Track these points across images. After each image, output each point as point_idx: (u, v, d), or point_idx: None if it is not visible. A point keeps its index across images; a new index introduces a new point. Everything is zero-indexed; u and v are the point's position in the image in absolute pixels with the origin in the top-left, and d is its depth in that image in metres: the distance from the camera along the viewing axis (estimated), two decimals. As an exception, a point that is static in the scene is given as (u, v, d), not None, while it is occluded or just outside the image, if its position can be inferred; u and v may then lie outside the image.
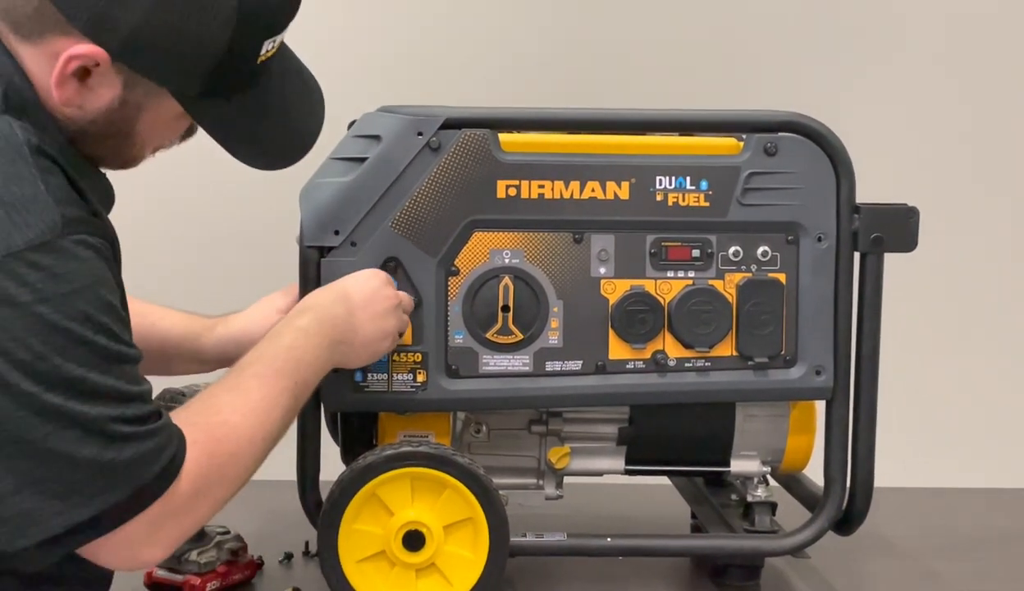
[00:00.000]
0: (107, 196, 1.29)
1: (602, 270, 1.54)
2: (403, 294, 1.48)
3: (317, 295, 1.44)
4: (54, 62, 1.19)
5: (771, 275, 1.55)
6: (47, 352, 1.11)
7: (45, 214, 1.13)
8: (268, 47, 1.26)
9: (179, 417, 1.23)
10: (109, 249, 1.20)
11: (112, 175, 1.31)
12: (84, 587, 1.27)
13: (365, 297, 1.43)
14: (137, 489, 1.15)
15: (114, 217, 1.28)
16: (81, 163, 1.24)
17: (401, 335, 1.49)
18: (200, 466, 1.21)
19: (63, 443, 1.12)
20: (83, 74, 1.20)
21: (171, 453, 1.18)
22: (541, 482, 1.65)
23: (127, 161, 1.31)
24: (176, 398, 1.52)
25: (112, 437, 1.13)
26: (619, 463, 1.65)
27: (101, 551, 1.18)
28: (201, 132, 1.33)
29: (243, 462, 1.26)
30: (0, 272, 1.10)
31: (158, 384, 1.52)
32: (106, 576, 1.31)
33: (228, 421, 1.26)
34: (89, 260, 1.15)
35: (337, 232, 1.50)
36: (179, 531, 1.22)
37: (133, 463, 1.15)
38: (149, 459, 1.16)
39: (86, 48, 1.18)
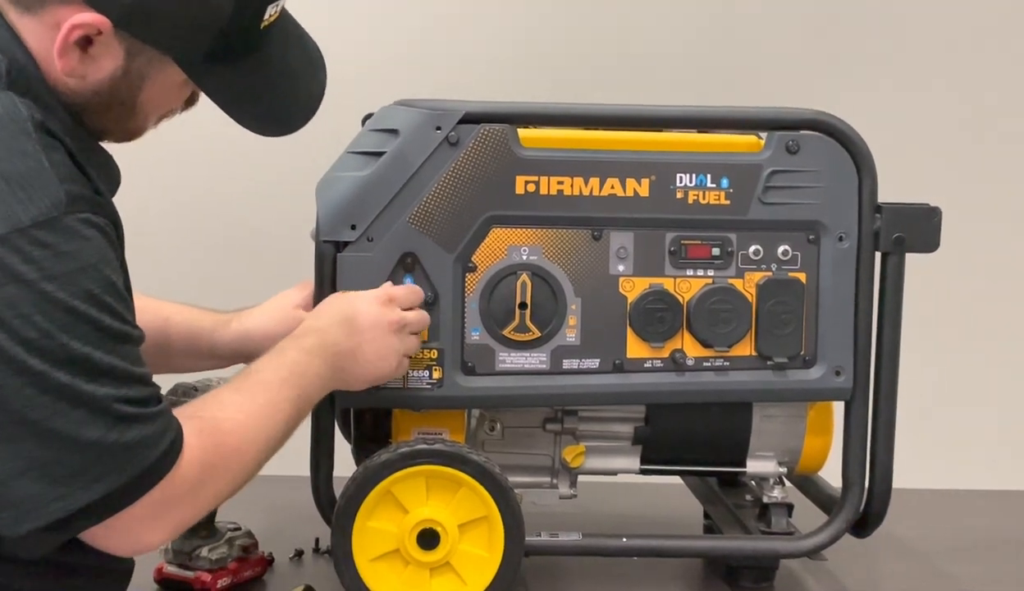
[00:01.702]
0: (112, 176, 1.28)
1: (621, 268, 1.52)
2: (411, 315, 1.45)
3: (319, 317, 1.42)
4: (55, 33, 1.18)
5: (791, 274, 1.54)
6: (53, 330, 1.10)
7: (49, 190, 1.12)
8: (271, 12, 1.26)
9: (185, 410, 1.23)
10: (112, 229, 1.20)
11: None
12: (94, 577, 1.26)
13: (367, 322, 1.41)
14: (139, 473, 1.15)
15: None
16: (85, 141, 1.23)
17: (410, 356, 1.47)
18: (205, 454, 1.21)
19: (68, 424, 1.11)
20: (85, 43, 1.19)
21: (171, 437, 1.18)
22: (555, 481, 1.63)
23: (131, 133, 1.30)
24: (188, 393, 1.51)
25: (116, 418, 1.13)
26: (634, 462, 1.64)
27: (102, 535, 1.17)
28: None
29: (245, 459, 1.26)
30: (6, 249, 1.09)
31: (171, 379, 1.51)
32: (121, 568, 1.30)
33: (233, 417, 1.26)
34: (93, 239, 1.14)
35: (354, 227, 1.48)
36: (180, 518, 1.22)
37: (136, 446, 1.14)
38: (151, 442, 1.15)
39: (88, 16, 1.17)
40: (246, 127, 1.31)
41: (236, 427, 1.25)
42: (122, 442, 1.13)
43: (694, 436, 1.62)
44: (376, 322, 1.41)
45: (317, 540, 1.71)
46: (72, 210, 1.13)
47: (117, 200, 1.26)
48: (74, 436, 1.11)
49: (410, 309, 1.46)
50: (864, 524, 1.59)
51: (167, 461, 1.17)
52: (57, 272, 1.11)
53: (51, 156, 1.14)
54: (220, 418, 1.25)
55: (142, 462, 1.15)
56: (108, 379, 1.13)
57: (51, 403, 1.10)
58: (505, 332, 1.52)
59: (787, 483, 1.68)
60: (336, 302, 1.44)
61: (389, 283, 1.48)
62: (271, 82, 1.29)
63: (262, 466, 1.30)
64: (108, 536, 1.17)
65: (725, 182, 1.52)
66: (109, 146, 1.30)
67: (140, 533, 1.19)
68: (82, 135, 1.23)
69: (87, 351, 1.12)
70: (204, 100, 1.30)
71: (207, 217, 2.28)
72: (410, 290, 1.47)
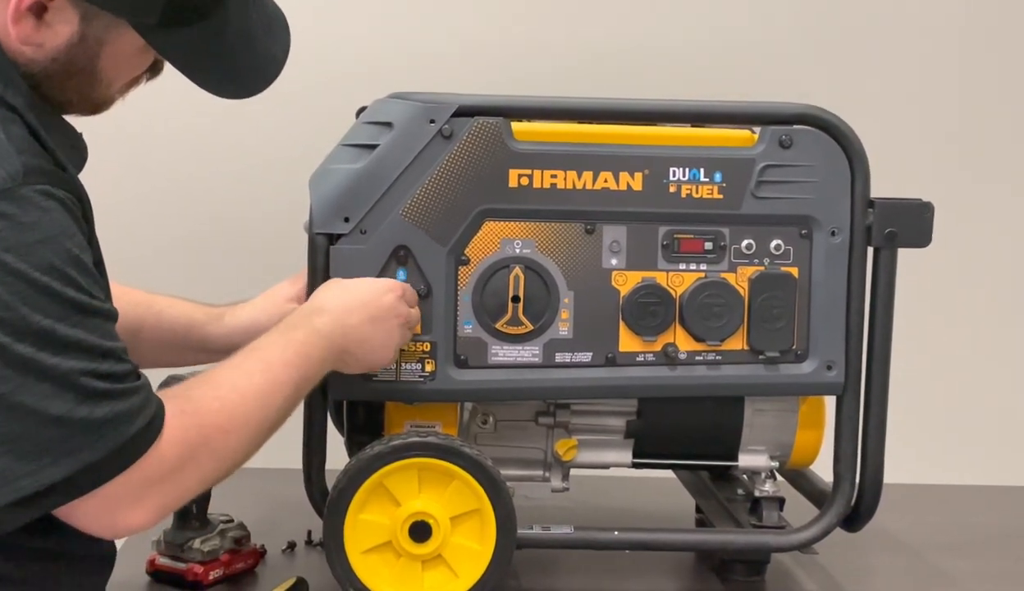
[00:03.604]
0: (77, 151, 1.28)
1: (613, 261, 1.53)
2: (413, 311, 1.46)
3: (335, 297, 1.42)
4: (9, 2, 1.18)
5: (784, 269, 1.54)
6: (13, 302, 1.09)
7: (6, 162, 1.12)
8: None
9: (172, 390, 1.23)
10: (77, 203, 1.19)
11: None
12: (75, 563, 1.26)
13: (380, 311, 1.42)
14: (112, 450, 1.14)
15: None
16: (48, 115, 1.23)
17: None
18: (188, 435, 1.20)
19: (34, 398, 1.10)
20: (40, 10, 1.19)
21: (149, 414, 1.16)
22: (547, 474, 1.63)
23: (96, 104, 1.29)
24: (180, 385, 1.51)
25: (85, 393, 1.12)
26: (627, 456, 1.64)
27: (78, 513, 1.16)
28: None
29: (234, 440, 1.24)
30: None
31: (163, 373, 1.51)
32: (101, 554, 1.30)
33: (224, 397, 1.25)
34: (53, 211, 1.14)
35: (347, 219, 1.48)
36: (164, 499, 1.20)
37: (107, 422, 1.13)
38: (124, 419, 1.14)
39: None
40: (207, 90, 1.30)
41: (224, 407, 1.24)
42: (92, 418, 1.12)
43: (686, 430, 1.62)
44: (390, 314, 1.42)
45: (309, 532, 1.72)
46: (29, 181, 1.12)
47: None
48: (41, 410, 1.10)
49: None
50: (855, 518, 1.59)
51: (143, 439, 1.16)
52: (15, 243, 1.10)
53: (7, 128, 1.14)
54: (208, 398, 1.24)
55: (115, 439, 1.14)
56: (74, 352, 1.12)
57: (15, 376, 1.10)
58: (498, 325, 1.52)
59: (779, 477, 1.68)
60: (352, 286, 1.44)
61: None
62: (230, 44, 1.27)
63: (256, 448, 1.28)
64: (87, 515, 1.17)
65: (718, 176, 1.52)
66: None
67: (120, 514, 1.18)
68: (44, 109, 1.23)
69: (49, 324, 1.11)
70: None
71: (200, 210, 2.28)
72: (412, 290, 1.48)
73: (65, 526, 1.19)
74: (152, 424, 1.17)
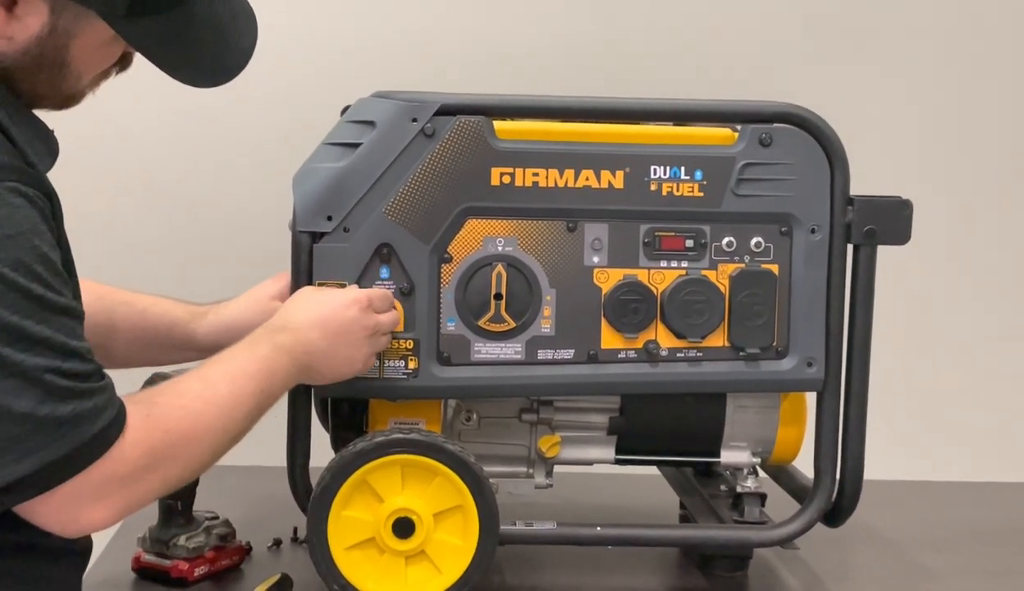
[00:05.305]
0: (47, 147, 1.28)
1: (595, 259, 1.53)
2: (384, 317, 1.46)
3: (298, 312, 1.42)
4: None
5: (764, 266, 1.55)
6: None
7: None
8: None
9: (139, 396, 1.24)
10: (46, 202, 1.19)
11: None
12: (53, 558, 1.27)
13: (341, 326, 1.42)
14: (74, 449, 1.14)
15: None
16: (17, 111, 1.23)
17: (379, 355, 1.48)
18: (152, 438, 1.21)
19: None
20: (9, 3, 1.20)
21: (111, 415, 1.17)
22: (531, 471, 1.64)
23: (67, 98, 1.30)
24: (165, 382, 1.51)
25: (49, 390, 1.13)
26: (609, 452, 1.65)
27: (39, 510, 1.17)
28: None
29: (199, 447, 1.26)
30: None
31: (148, 371, 1.52)
32: (78, 548, 1.31)
33: (189, 405, 1.26)
34: (21, 208, 1.14)
35: (330, 218, 1.49)
36: (125, 501, 1.21)
37: (70, 421, 1.14)
38: (87, 418, 1.15)
39: None
40: (177, 79, 1.30)
41: (189, 415, 1.25)
42: (55, 416, 1.13)
43: (668, 426, 1.63)
44: (353, 327, 1.42)
45: (295, 529, 1.72)
46: None
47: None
48: (4, 407, 1.11)
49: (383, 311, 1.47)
50: (836, 514, 1.60)
51: (105, 439, 1.17)
52: None
53: None
54: (173, 405, 1.25)
55: (78, 437, 1.14)
56: (41, 349, 1.12)
57: None
58: (480, 323, 1.53)
59: (761, 473, 1.69)
60: (315, 302, 1.44)
61: (355, 286, 1.48)
62: (198, 33, 1.28)
63: (219, 456, 1.29)
64: (47, 512, 1.17)
65: (699, 174, 1.53)
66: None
67: (81, 511, 1.18)
68: (14, 104, 1.23)
69: (15, 320, 1.11)
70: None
71: (183, 208, 2.29)
72: (384, 294, 1.48)
73: (24, 517, 1.19)
74: (114, 424, 1.18)
